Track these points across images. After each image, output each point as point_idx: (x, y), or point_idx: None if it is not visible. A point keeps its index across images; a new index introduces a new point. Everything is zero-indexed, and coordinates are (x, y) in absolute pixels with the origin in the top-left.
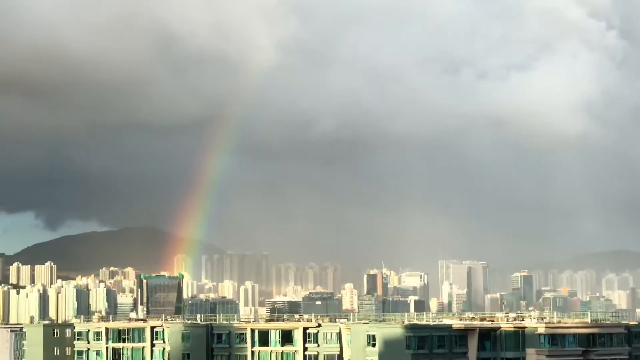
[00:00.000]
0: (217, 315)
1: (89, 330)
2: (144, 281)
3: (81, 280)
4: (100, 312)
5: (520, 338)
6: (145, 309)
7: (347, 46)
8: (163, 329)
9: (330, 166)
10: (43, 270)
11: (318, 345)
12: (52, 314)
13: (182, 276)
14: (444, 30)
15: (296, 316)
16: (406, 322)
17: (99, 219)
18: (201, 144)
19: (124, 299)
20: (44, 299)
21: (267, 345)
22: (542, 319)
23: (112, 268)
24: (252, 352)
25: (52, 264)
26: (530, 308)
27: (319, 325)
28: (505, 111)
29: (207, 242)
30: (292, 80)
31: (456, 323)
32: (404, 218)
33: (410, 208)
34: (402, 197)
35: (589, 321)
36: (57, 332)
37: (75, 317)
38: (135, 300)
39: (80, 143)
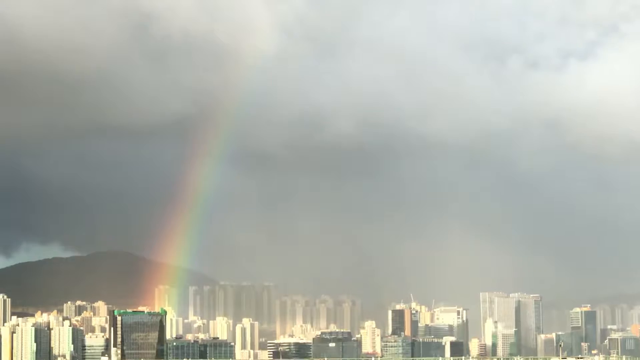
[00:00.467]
0: None
1: None
2: (118, 318)
3: (41, 317)
4: (64, 356)
5: None
6: (119, 352)
7: (367, 28)
8: None
9: (347, 177)
10: None
11: None
12: (5, 358)
13: (165, 312)
14: (487, 8)
15: None
16: None
17: (62, 242)
18: (186, 150)
19: (94, 340)
20: None
21: None
22: None
23: (78, 302)
24: None
25: (4, 297)
26: (593, 351)
27: None
28: (561, 109)
29: (195, 270)
30: (298, 70)
31: None
32: (437, 241)
33: (446, 229)
34: (435, 216)
35: None
36: None
37: None
38: (107, 341)
39: (36, 149)
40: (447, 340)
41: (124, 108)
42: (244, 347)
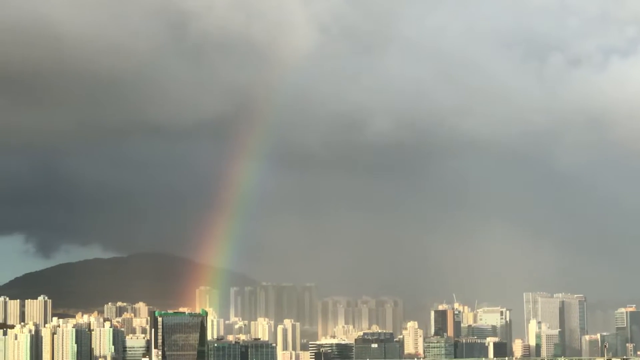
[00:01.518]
0: None
1: None
2: (159, 319)
3: (82, 319)
4: (105, 357)
5: None
6: (160, 353)
7: (406, 26)
8: None
9: (386, 176)
10: (35, 306)
11: None
12: (46, 359)
13: (206, 313)
14: (526, 6)
15: None
16: None
17: (102, 243)
18: (224, 149)
19: (135, 342)
20: (36, 341)
21: None
22: None
23: (119, 303)
24: None
25: (46, 298)
26: (639, 352)
27: None
28: (605, 107)
29: (236, 271)
30: (335, 69)
31: None
32: (479, 241)
33: (488, 228)
34: (477, 215)
35: None
36: None
37: None
38: (148, 342)
39: (73, 149)
40: (490, 341)
41: (160, 108)
42: (285, 348)
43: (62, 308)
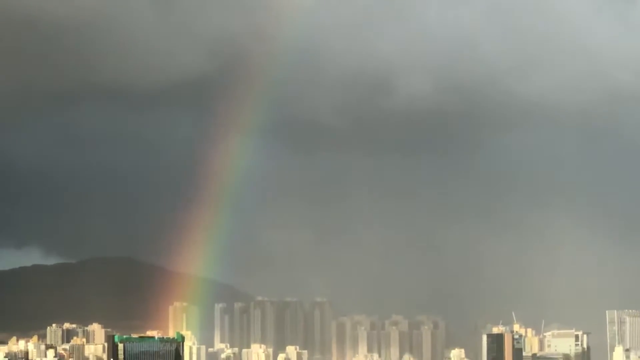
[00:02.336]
0: None
1: None
2: (120, 346)
3: (16, 345)
4: None
5: None
6: None
7: None
8: None
9: (422, 156)
10: None
11: None
12: None
13: (183, 338)
14: None
15: None
16: None
17: (44, 246)
18: (206, 122)
19: None
20: None
21: None
22: None
23: (66, 325)
24: None
25: None
26: None
27: None
28: None
29: (222, 282)
30: (354, 15)
31: None
32: (545, 242)
33: (556, 226)
34: (541, 207)
35: None
36: None
37: None
38: None
39: (6, 122)
40: None
41: (120, 66)
42: None
43: None
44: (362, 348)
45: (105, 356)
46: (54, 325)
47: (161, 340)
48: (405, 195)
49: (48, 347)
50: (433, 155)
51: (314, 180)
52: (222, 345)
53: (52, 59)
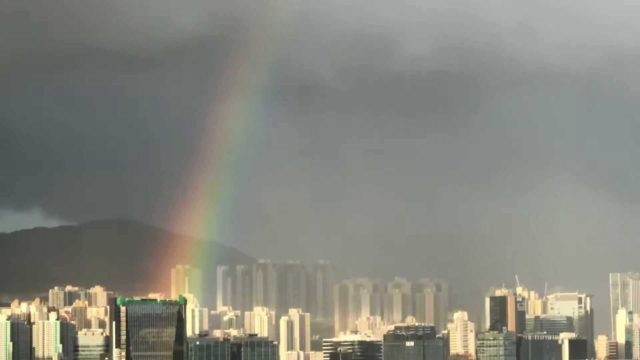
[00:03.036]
0: None
1: None
2: (122, 309)
3: (19, 308)
4: (50, 359)
5: None
6: (124, 354)
7: None
8: None
9: (425, 119)
10: None
11: None
12: None
13: (185, 300)
14: None
15: None
16: None
17: (45, 208)
18: (206, 83)
19: (90, 339)
20: None
21: None
22: None
23: (68, 288)
24: None
25: None
26: None
27: None
28: None
29: (225, 244)
30: None
31: None
32: (548, 204)
33: (559, 187)
34: (544, 169)
35: None
36: None
37: None
38: (107, 339)
39: (5, 85)
40: (564, 338)
41: (118, 27)
42: (290, 347)
43: None
44: (365, 311)
45: (107, 319)
46: (56, 288)
47: (163, 302)
48: (408, 159)
49: (50, 309)
50: (433, 116)
51: (315, 143)
52: (225, 308)
53: (50, 23)
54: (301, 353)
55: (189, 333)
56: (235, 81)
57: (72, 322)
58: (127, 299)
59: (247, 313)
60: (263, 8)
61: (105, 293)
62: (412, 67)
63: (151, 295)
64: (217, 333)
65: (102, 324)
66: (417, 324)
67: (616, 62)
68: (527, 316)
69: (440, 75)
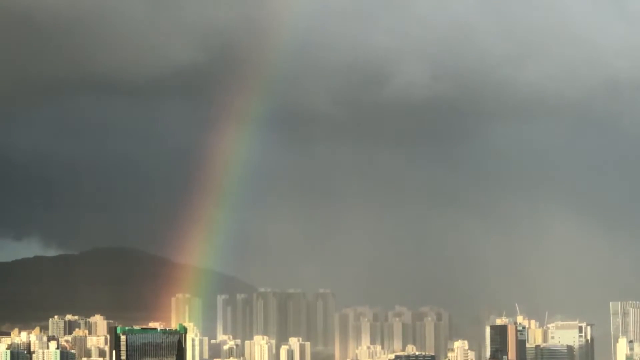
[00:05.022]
0: None
1: None
2: (122, 338)
3: (19, 337)
4: None
5: None
6: None
7: None
8: None
9: (416, 145)
10: None
11: None
12: None
13: (185, 330)
14: None
15: None
16: None
17: (44, 237)
18: (203, 112)
19: None
20: None
21: None
22: None
23: (68, 317)
24: None
25: None
26: None
27: None
28: None
29: (225, 273)
30: (352, 4)
31: None
32: (548, 233)
33: (558, 216)
34: (546, 200)
35: None
36: None
37: None
38: None
39: (3, 113)
40: None
41: (115, 56)
42: None
43: None
44: (365, 339)
45: (107, 348)
46: (56, 317)
47: (163, 331)
48: (406, 188)
49: (50, 338)
50: (427, 145)
51: (313, 172)
52: (225, 337)
53: (48, 53)
54: None
55: None
56: (230, 110)
57: (72, 351)
58: (127, 328)
59: (247, 342)
60: (258, 37)
61: (105, 322)
62: (408, 97)
63: (151, 324)
64: None
65: (102, 353)
66: (417, 353)
67: (611, 90)
68: (527, 345)
69: (434, 102)
